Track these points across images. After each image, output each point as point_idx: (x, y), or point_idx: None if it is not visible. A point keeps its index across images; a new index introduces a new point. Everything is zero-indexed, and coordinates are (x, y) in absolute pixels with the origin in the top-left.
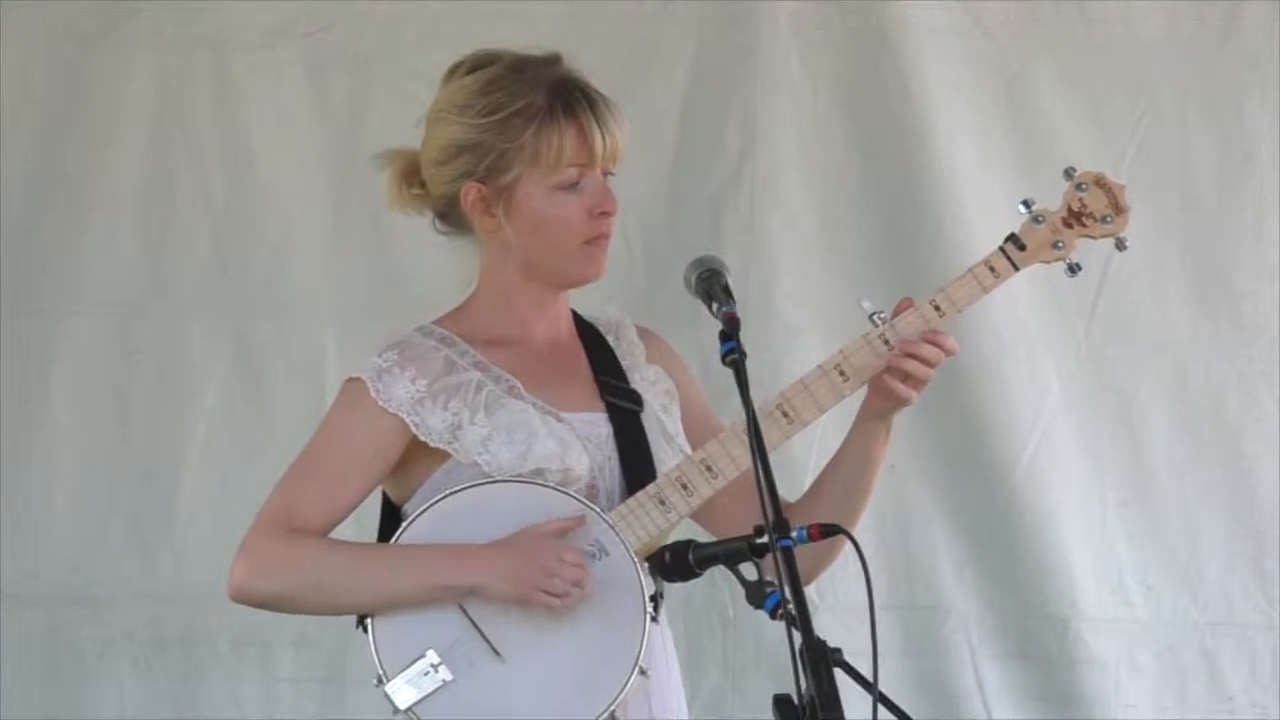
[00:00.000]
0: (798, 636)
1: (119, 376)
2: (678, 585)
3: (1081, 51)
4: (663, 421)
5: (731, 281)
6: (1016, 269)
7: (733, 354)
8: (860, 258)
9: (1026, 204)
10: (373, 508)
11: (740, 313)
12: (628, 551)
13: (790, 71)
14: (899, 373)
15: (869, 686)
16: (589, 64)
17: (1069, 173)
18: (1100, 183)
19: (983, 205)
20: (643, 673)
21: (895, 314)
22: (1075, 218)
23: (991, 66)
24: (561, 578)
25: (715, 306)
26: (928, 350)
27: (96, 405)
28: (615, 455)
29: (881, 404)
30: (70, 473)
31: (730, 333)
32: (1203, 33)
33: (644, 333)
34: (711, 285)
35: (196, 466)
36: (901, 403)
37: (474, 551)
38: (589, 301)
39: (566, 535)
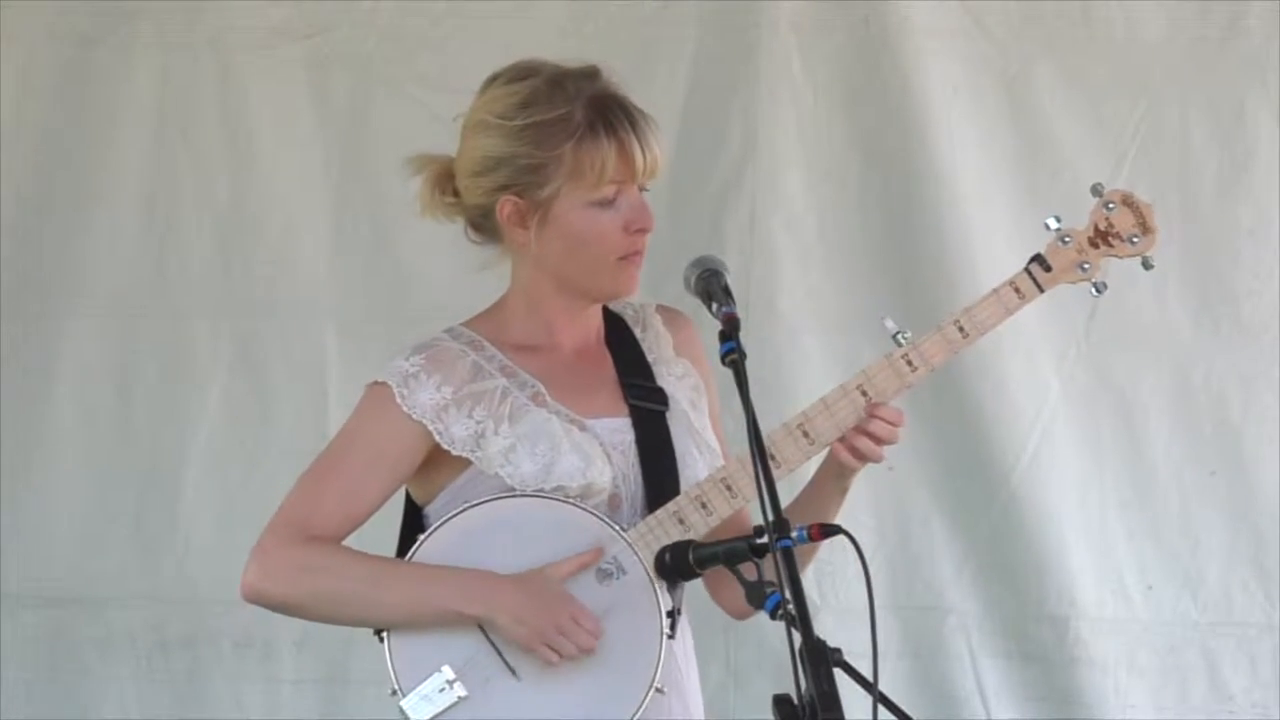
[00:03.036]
0: (798, 636)
1: (121, 377)
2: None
3: (1082, 51)
4: (690, 418)
5: (731, 281)
6: (1042, 290)
7: (733, 354)
8: (860, 258)
9: (1057, 220)
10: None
11: (740, 313)
12: (646, 571)
13: (790, 71)
14: (850, 447)
15: (869, 686)
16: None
17: (1097, 190)
18: (1128, 202)
19: (983, 205)
20: (659, 692)
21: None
22: (1102, 237)
23: (991, 66)
24: (572, 641)
25: (715, 307)
26: (877, 426)
27: (99, 406)
28: (638, 462)
29: (836, 467)
30: (72, 473)
31: (730, 333)
32: (1204, 33)
33: (671, 318)
34: (711, 285)
35: (198, 467)
36: (853, 469)
37: (492, 583)
38: None
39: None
